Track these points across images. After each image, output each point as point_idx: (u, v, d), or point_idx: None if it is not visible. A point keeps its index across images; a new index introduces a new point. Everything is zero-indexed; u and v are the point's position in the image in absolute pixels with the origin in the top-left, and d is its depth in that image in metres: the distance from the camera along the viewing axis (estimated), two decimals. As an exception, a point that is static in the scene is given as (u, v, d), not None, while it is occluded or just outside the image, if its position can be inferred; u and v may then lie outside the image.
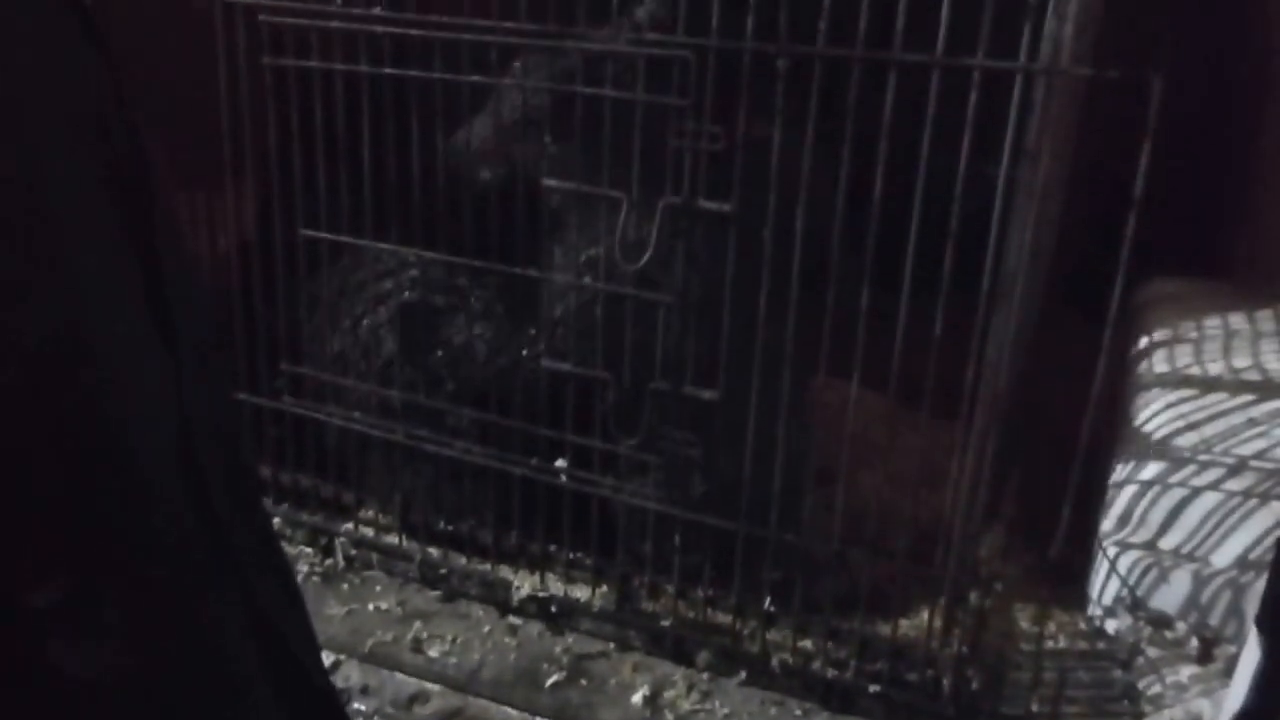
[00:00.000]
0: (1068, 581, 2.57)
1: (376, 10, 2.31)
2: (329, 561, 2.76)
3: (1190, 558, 2.40)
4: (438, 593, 2.66)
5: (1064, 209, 2.03)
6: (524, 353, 2.50)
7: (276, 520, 2.79)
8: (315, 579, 2.70)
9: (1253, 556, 2.32)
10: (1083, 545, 2.56)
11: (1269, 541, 2.28)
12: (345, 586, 2.68)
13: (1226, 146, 2.87)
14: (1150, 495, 2.45)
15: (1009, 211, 1.95)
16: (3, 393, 0.69)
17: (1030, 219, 1.93)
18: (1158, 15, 2.06)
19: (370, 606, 2.61)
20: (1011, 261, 1.97)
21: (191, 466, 0.83)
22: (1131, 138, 1.82)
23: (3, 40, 0.71)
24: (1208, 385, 2.51)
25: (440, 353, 2.58)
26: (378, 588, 2.68)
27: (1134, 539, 2.46)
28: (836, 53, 1.93)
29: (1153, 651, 2.35)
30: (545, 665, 2.44)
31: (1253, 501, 2.34)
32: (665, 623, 2.47)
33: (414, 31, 2.27)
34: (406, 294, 2.60)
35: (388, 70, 2.34)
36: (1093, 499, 2.60)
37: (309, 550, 2.78)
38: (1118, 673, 2.37)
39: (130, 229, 0.80)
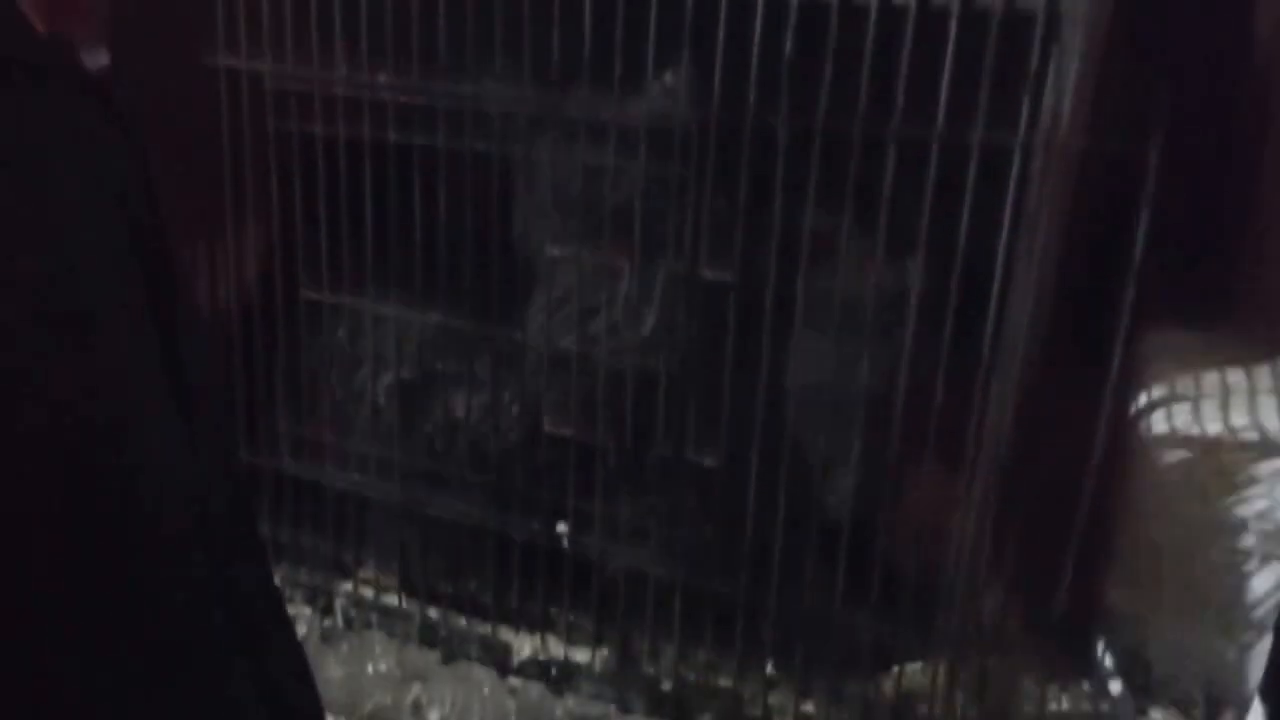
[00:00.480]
0: (1072, 641, 2.56)
1: (380, 78, 2.33)
2: (328, 621, 2.75)
3: (1193, 619, 2.40)
4: (437, 653, 2.64)
5: (1064, 269, 2.05)
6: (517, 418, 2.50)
7: (275, 579, 2.78)
8: (314, 639, 2.68)
9: (1255, 618, 2.31)
10: (1087, 604, 2.55)
11: (1271, 603, 2.28)
12: (345, 647, 2.67)
13: (1226, 194, 2.89)
14: (1152, 556, 2.44)
15: (1010, 277, 1.97)
16: (30, 456, 0.69)
17: (1031, 284, 1.95)
18: (1156, 85, 2.09)
19: (369, 668, 2.60)
20: (1012, 324, 1.99)
21: (207, 525, 0.84)
22: (1132, 201, 1.85)
23: (34, 121, 0.73)
24: (1207, 445, 2.51)
25: (440, 422, 2.59)
26: (377, 648, 2.67)
27: (1139, 602, 2.46)
28: (837, 126, 1.95)
29: (1157, 714, 2.34)
30: (546, 729, 2.43)
31: (1254, 562, 2.34)
32: (666, 685, 2.46)
33: (417, 100, 2.29)
34: (405, 364, 2.60)
35: (391, 136, 2.36)
36: (1097, 557, 2.59)
37: (307, 610, 2.77)
38: (1122, 735, 2.36)
39: (150, 294, 0.81)
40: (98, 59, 0.89)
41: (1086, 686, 2.51)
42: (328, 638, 2.70)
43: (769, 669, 2.37)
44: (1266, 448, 2.44)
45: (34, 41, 0.76)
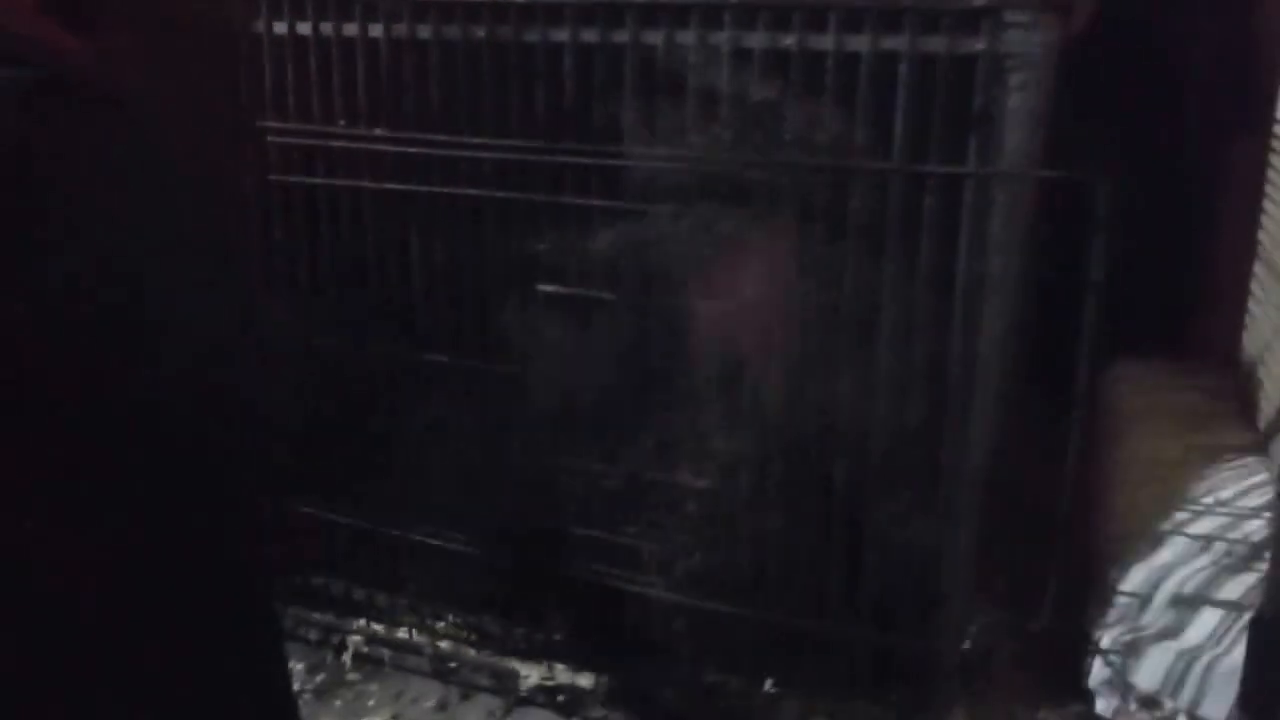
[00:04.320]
0: (1059, 661, 2.61)
1: (378, 131, 2.48)
2: (340, 659, 2.81)
3: (1167, 634, 2.46)
4: (450, 689, 2.71)
5: (1025, 298, 2.17)
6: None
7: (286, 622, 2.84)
8: (323, 677, 2.75)
9: (1225, 630, 2.38)
10: (1070, 621, 2.60)
11: (1240, 615, 2.34)
12: (349, 694, 2.73)
13: (1185, 226, 3.02)
14: (1126, 574, 2.52)
15: (975, 304, 2.09)
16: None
17: (996, 311, 2.07)
18: (1106, 118, 2.22)
19: (387, 704, 2.67)
20: (980, 350, 2.11)
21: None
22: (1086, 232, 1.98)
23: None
24: (1171, 463, 2.61)
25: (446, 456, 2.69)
26: (389, 686, 2.73)
27: (1116, 618, 2.52)
28: (805, 161, 2.09)
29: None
30: (553, 754, 2.49)
31: (1221, 575, 2.42)
32: (674, 706, 2.52)
33: (414, 150, 2.44)
34: (410, 401, 2.70)
35: (389, 185, 2.51)
36: (1079, 577, 2.66)
37: (319, 649, 2.84)
38: (1110, 753, 2.40)
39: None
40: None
41: (1077, 706, 2.55)
42: (332, 682, 2.75)
43: (768, 686, 2.45)
44: (1224, 464, 2.54)
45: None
